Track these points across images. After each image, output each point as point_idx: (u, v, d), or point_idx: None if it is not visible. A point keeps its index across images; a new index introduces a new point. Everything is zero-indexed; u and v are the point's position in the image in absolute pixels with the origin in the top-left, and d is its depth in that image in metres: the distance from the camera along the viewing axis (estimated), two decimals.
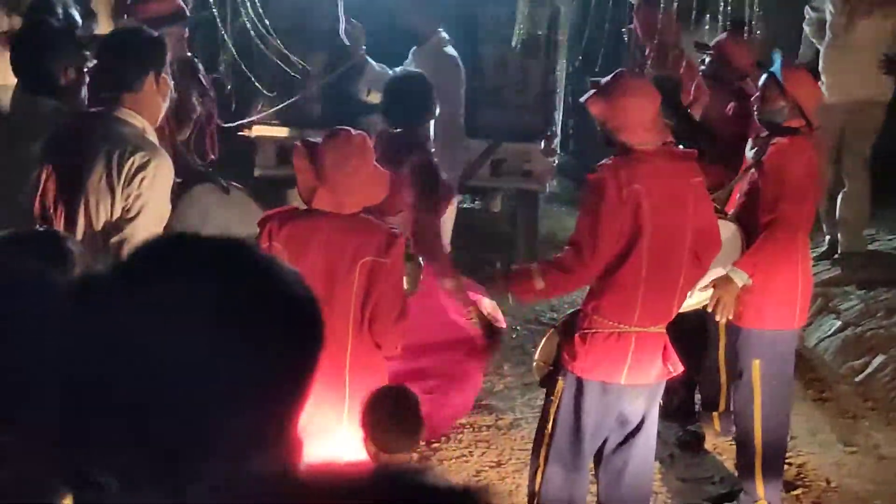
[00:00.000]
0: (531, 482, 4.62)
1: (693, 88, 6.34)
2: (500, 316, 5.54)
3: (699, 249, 4.40)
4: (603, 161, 4.35)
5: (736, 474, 5.39)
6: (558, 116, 8.32)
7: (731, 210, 5.19)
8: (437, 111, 5.53)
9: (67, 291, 1.39)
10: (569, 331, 4.41)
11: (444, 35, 7.18)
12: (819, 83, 6.25)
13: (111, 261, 1.46)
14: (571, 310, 4.85)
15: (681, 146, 4.52)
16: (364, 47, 7.21)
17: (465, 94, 7.27)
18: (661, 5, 6.90)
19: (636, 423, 4.49)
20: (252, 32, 6.39)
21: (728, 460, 5.66)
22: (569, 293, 4.54)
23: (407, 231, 4.91)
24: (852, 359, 6.97)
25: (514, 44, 7.34)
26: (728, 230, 4.86)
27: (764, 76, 5.08)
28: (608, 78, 4.43)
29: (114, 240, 3.89)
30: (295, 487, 1.27)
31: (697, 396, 6.01)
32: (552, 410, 4.46)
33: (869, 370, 6.79)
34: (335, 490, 1.25)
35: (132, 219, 3.90)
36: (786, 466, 5.42)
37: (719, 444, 5.86)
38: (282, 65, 6.85)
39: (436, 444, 5.66)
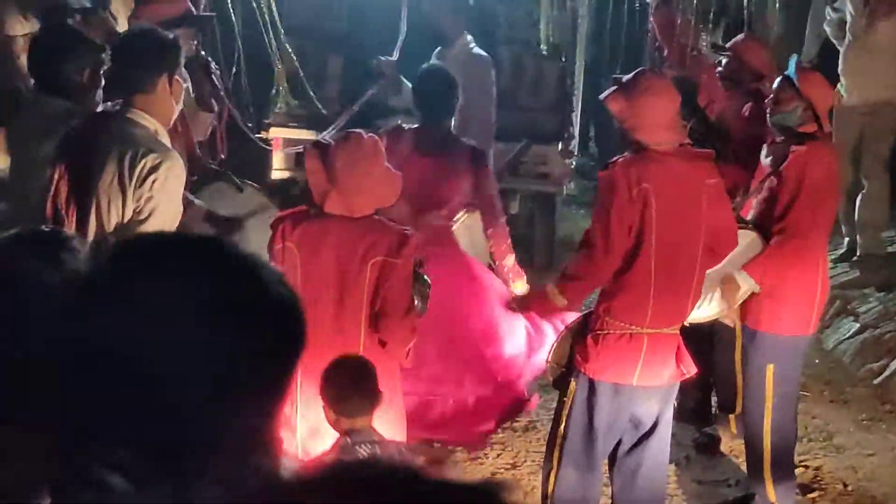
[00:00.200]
0: (544, 483, 4.61)
1: (708, 90, 6.33)
2: None
3: (715, 245, 4.38)
4: (615, 158, 4.34)
5: None
6: (576, 119, 8.32)
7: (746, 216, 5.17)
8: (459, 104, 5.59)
9: (65, 291, 1.40)
10: (581, 332, 4.41)
11: (469, 37, 7.20)
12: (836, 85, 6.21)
13: (97, 260, 1.47)
14: (585, 311, 4.85)
15: (697, 147, 4.51)
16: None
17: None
18: (680, 7, 6.89)
19: (650, 424, 4.47)
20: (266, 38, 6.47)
21: (744, 463, 5.62)
22: (594, 291, 4.55)
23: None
24: (870, 361, 6.94)
25: (541, 46, 7.33)
26: (747, 237, 4.85)
27: (778, 78, 5.07)
28: (630, 76, 4.41)
29: None
30: (297, 486, 1.27)
31: (714, 399, 5.99)
32: (565, 412, 4.45)
33: (887, 373, 6.76)
34: (346, 487, 1.25)
35: (143, 220, 3.91)
36: (802, 469, 5.39)
37: (735, 446, 5.82)
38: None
39: (450, 447, 5.65)
